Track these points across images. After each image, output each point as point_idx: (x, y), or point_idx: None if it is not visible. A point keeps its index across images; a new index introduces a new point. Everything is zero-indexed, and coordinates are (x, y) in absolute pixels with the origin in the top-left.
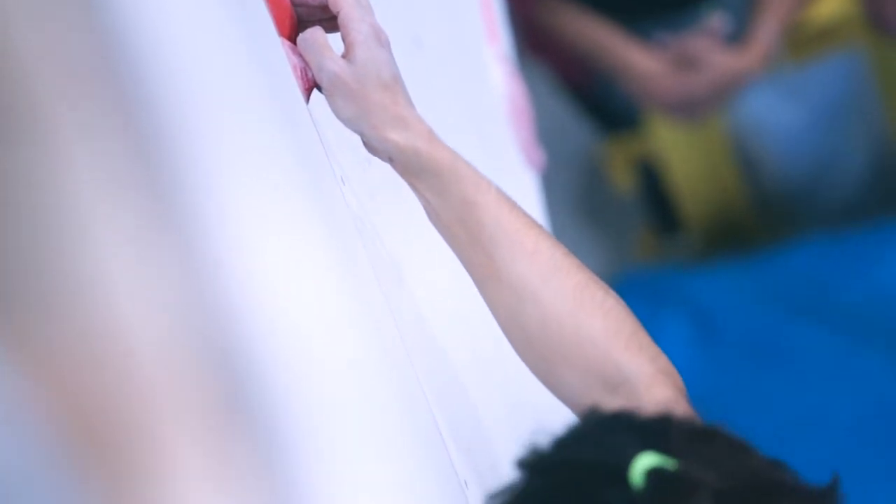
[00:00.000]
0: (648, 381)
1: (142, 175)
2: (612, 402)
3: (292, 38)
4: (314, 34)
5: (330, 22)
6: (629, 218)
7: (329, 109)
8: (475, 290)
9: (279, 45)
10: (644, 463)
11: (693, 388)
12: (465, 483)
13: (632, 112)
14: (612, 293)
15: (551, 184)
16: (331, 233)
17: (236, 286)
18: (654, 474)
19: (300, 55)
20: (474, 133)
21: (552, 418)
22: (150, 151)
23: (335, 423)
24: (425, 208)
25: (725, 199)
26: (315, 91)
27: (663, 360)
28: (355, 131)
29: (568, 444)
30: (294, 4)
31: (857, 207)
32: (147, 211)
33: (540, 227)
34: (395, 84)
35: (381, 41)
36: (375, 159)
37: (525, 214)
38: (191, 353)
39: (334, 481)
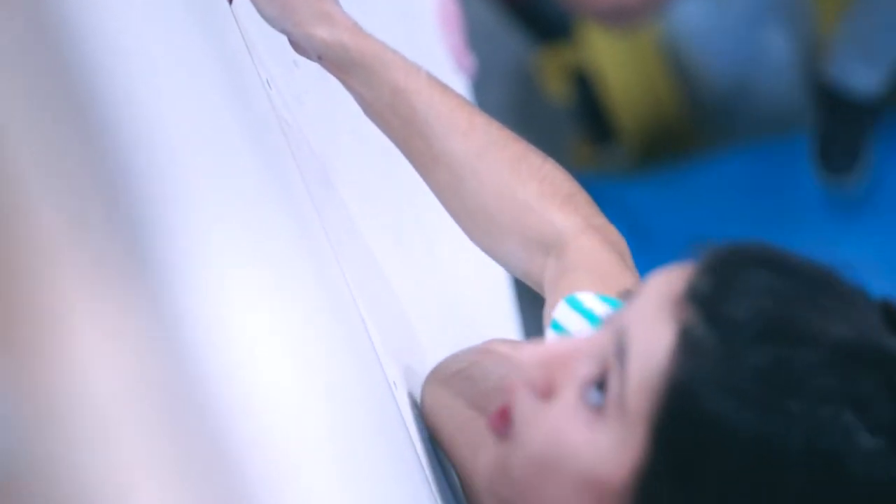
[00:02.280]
0: (577, 232)
1: None
2: (546, 263)
3: None
4: None
5: None
6: (564, 128)
7: (254, 10)
8: (405, 191)
9: None
10: None
11: None
12: (394, 384)
13: (565, 21)
14: (551, 161)
15: (484, 94)
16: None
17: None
18: None
19: None
20: (402, 34)
21: (486, 321)
22: None
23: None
24: (359, 102)
25: (659, 107)
26: None
27: (599, 219)
28: (280, 30)
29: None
30: None
31: (789, 111)
32: None
33: (472, 105)
34: None
35: None
36: (303, 61)
37: (457, 95)
38: None
39: (257, 379)
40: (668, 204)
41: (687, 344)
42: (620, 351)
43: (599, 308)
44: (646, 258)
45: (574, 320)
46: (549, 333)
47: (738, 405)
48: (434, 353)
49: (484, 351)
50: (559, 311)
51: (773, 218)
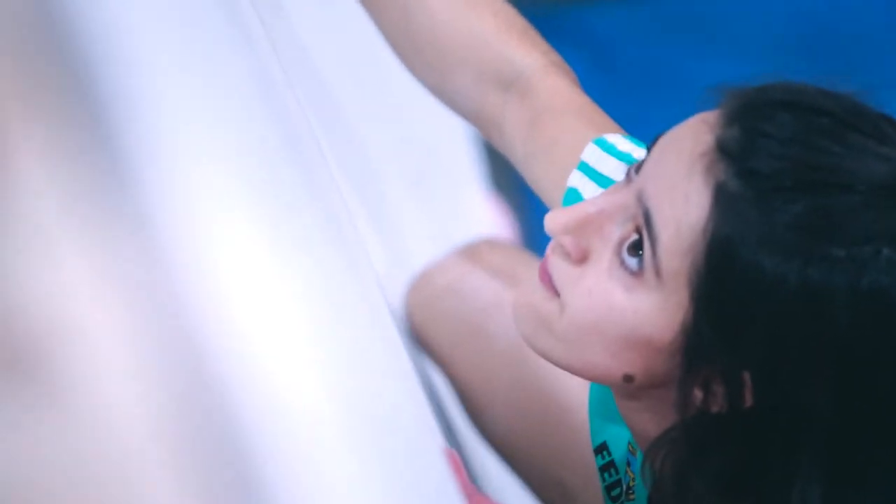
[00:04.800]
0: (542, 71)
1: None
2: (508, 101)
3: None
4: None
5: None
6: None
7: None
8: (357, 23)
9: None
10: None
11: None
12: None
13: None
14: None
15: None
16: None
17: None
18: None
19: None
20: None
21: (441, 152)
22: None
23: None
24: None
25: None
26: None
27: (556, 55)
28: None
29: None
30: None
31: None
32: None
33: None
34: None
35: None
36: None
37: None
38: None
39: None
40: (629, 29)
41: (723, 201)
42: (646, 213)
43: (636, 151)
44: (609, 84)
45: (610, 163)
46: (576, 175)
47: (779, 256)
48: (391, 182)
49: (470, 258)
50: (589, 154)
51: (739, 40)
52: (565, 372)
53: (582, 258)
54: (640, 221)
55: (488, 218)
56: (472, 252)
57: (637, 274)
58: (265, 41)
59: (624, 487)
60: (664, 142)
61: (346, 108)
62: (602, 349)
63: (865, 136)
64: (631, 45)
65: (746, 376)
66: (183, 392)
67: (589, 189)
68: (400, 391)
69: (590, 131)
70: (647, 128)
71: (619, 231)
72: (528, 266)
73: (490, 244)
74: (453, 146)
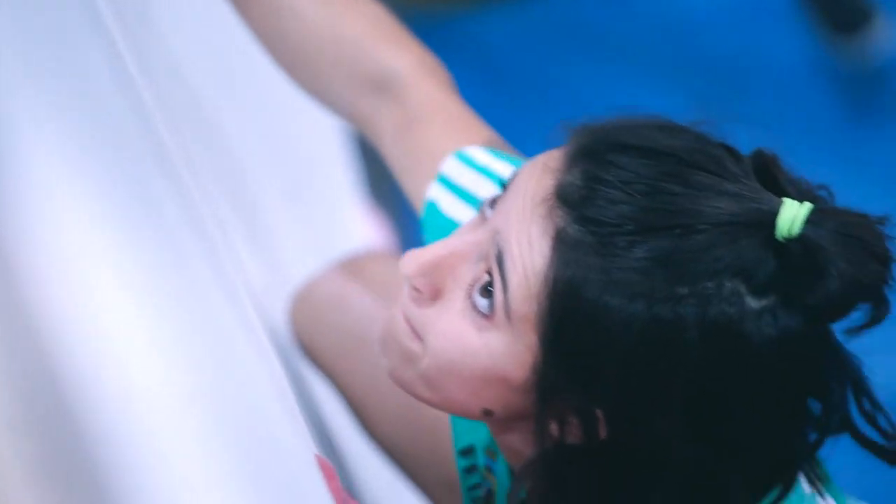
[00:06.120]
0: (415, 75)
1: None
2: (382, 105)
3: None
4: None
5: None
6: None
7: None
8: (230, 33)
9: None
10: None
11: None
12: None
13: None
14: None
15: None
16: None
17: None
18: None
19: None
20: None
21: (319, 163)
22: None
23: None
24: None
25: None
26: None
27: (430, 58)
28: None
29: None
30: None
31: None
32: None
33: None
34: None
35: None
36: None
37: None
38: None
39: None
40: (515, 35)
41: (563, 248)
42: (499, 255)
43: (495, 164)
44: (496, 91)
45: (468, 176)
46: (436, 187)
47: (625, 299)
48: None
49: (351, 271)
50: (448, 167)
51: (625, 46)
52: None
53: (435, 298)
54: (493, 263)
55: (367, 229)
56: (353, 264)
57: (488, 316)
58: (132, 54)
59: (484, 492)
60: (516, 181)
61: (221, 121)
62: (459, 387)
63: (709, 174)
64: (517, 52)
65: (599, 412)
66: (34, 394)
67: (447, 201)
68: (270, 400)
69: (455, 141)
70: (532, 134)
71: (471, 272)
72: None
73: (370, 256)
74: (330, 158)
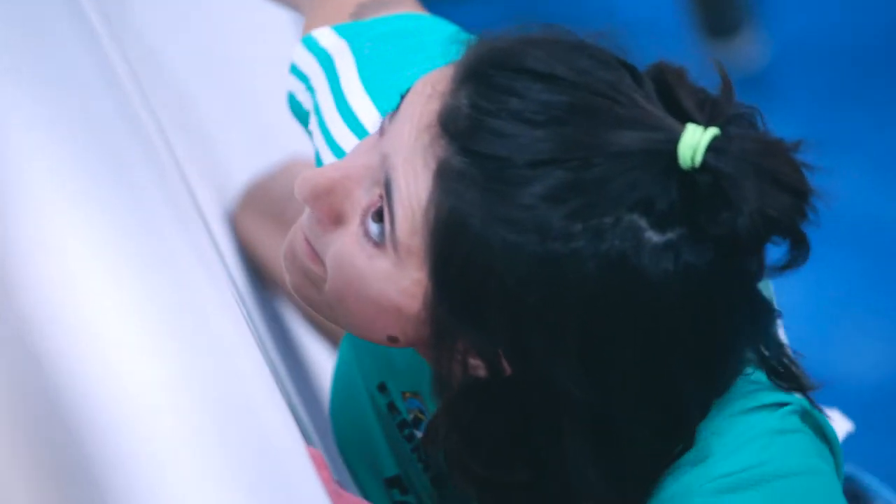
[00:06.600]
0: None
1: None
2: None
3: None
4: None
5: None
6: None
7: None
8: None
9: None
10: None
11: None
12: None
13: None
14: None
15: None
16: None
17: None
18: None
19: None
20: None
21: (296, 151)
22: None
23: None
24: None
25: None
26: None
27: None
28: None
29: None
30: None
31: None
32: None
33: None
34: None
35: None
36: None
37: None
38: None
39: None
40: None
41: (446, 180)
42: (387, 183)
43: (332, 43)
44: None
45: (309, 63)
46: (290, 78)
47: (513, 234)
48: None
49: (292, 176)
50: (297, 55)
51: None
52: None
53: (335, 222)
54: (383, 190)
55: None
56: (296, 166)
57: (380, 245)
58: (112, 40)
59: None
60: (407, 98)
61: (200, 109)
62: (357, 312)
63: (606, 99)
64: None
65: (500, 350)
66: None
67: (300, 91)
68: (258, 393)
69: (322, 17)
70: None
71: (367, 196)
72: None
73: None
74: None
